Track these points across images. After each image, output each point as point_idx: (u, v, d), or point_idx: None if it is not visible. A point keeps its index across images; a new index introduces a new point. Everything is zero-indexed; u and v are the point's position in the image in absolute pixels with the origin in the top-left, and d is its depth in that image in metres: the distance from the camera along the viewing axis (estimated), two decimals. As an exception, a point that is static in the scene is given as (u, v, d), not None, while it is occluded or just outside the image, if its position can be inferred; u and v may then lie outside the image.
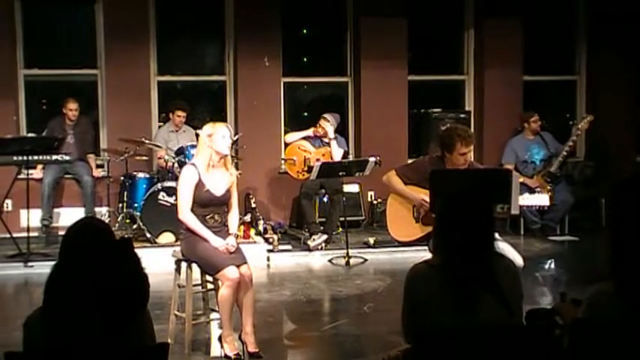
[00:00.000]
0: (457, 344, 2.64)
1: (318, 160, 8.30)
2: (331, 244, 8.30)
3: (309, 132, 8.63)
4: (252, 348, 4.78)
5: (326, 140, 8.52)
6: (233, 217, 5.00)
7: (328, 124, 8.46)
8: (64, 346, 2.53)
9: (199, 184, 4.81)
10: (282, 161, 8.88)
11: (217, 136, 4.83)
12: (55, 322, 2.55)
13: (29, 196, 7.69)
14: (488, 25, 9.91)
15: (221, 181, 4.89)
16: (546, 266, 7.66)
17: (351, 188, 9.26)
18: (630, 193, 2.71)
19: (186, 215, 4.81)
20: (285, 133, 9.25)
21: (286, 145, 8.85)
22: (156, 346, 2.70)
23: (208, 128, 4.87)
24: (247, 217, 8.40)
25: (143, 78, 9.29)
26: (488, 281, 2.83)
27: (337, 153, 8.50)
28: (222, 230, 4.89)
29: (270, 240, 8.20)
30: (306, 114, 10.24)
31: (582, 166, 10.01)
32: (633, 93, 9.91)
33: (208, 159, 4.85)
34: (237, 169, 8.79)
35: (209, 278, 5.13)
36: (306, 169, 8.33)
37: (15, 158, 7.56)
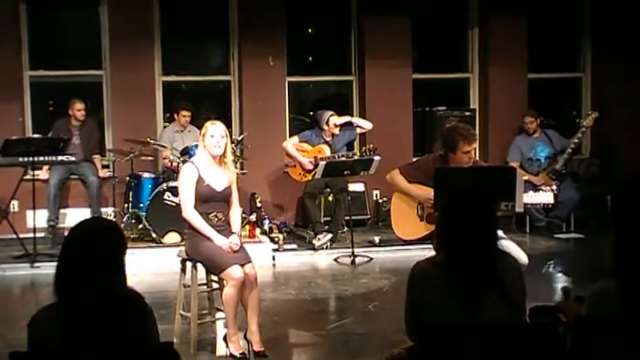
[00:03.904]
0: (460, 342, 2.64)
1: (315, 157, 8.34)
2: (336, 243, 8.30)
3: (304, 160, 8.55)
4: (257, 347, 4.79)
5: (327, 138, 8.52)
6: (235, 215, 5.01)
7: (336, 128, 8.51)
8: (72, 344, 2.55)
9: (199, 180, 4.83)
10: (285, 166, 8.85)
11: (207, 136, 4.87)
12: (66, 320, 2.58)
13: (35, 196, 7.72)
14: (492, 23, 9.90)
15: (221, 176, 4.91)
16: (551, 264, 7.64)
17: (356, 187, 9.26)
18: (633, 191, 2.72)
19: (190, 212, 4.83)
20: (292, 134, 9.24)
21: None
22: (162, 344, 2.72)
23: (203, 128, 4.93)
24: (253, 217, 8.41)
25: (148, 78, 9.31)
26: (491, 279, 2.83)
27: (341, 145, 8.52)
28: (225, 229, 4.90)
29: (276, 239, 8.20)
30: (311, 113, 10.25)
31: (588, 164, 9.99)
32: (638, 89, 9.88)
33: (205, 157, 4.89)
34: (242, 168, 8.85)
35: (214, 278, 5.14)
36: (306, 170, 8.41)
37: (21, 159, 7.57)
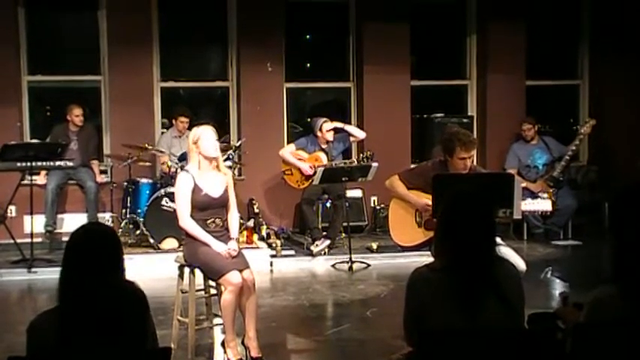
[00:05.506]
0: (459, 348, 2.64)
1: (312, 166, 8.33)
2: (334, 250, 8.30)
3: (303, 165, 8.56)
4: (255, 353, 4.78)
5: (323, 145, 8.53)
6: (233, 219, 4.99)
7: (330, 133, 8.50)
8: (70, 349, 2.55)
9: (196, 189, 4.82)
10: (282, 174, 8.84)
11: (202, 140, 4.84)
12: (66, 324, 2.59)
13: (33, 202, 7.73)
14: (490, 30, 9.92)
15: (216, 182, 4.90)
16: (549, 270, 7.63)
17: (354, 193, 9.27)
18: (632, 198, 2.72)
19: (187, 222, 4.82)
20: (289, 141, 9.24)
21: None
22: (159, 350, 2.72)
23: (193, 135, 4.88)
24: (250, 223, 8.41)
25: (146, 84, 9.32)
26: (489, 285, 2.83)
27: (337, 153, 8.52)
28: (224, 234, 4.89)
29: (274, 245, 8.20)
30: (309, 119, 10.25)
31: (585, 171, 10.01)
32: (636, 97, 9.89)
33: (199, 164, 4.87)
34: (240, 174, 8.84)
35: (212, 283, 5.14)
36: (304, 177, 8.40)
37: (19, 164, 7.59)
